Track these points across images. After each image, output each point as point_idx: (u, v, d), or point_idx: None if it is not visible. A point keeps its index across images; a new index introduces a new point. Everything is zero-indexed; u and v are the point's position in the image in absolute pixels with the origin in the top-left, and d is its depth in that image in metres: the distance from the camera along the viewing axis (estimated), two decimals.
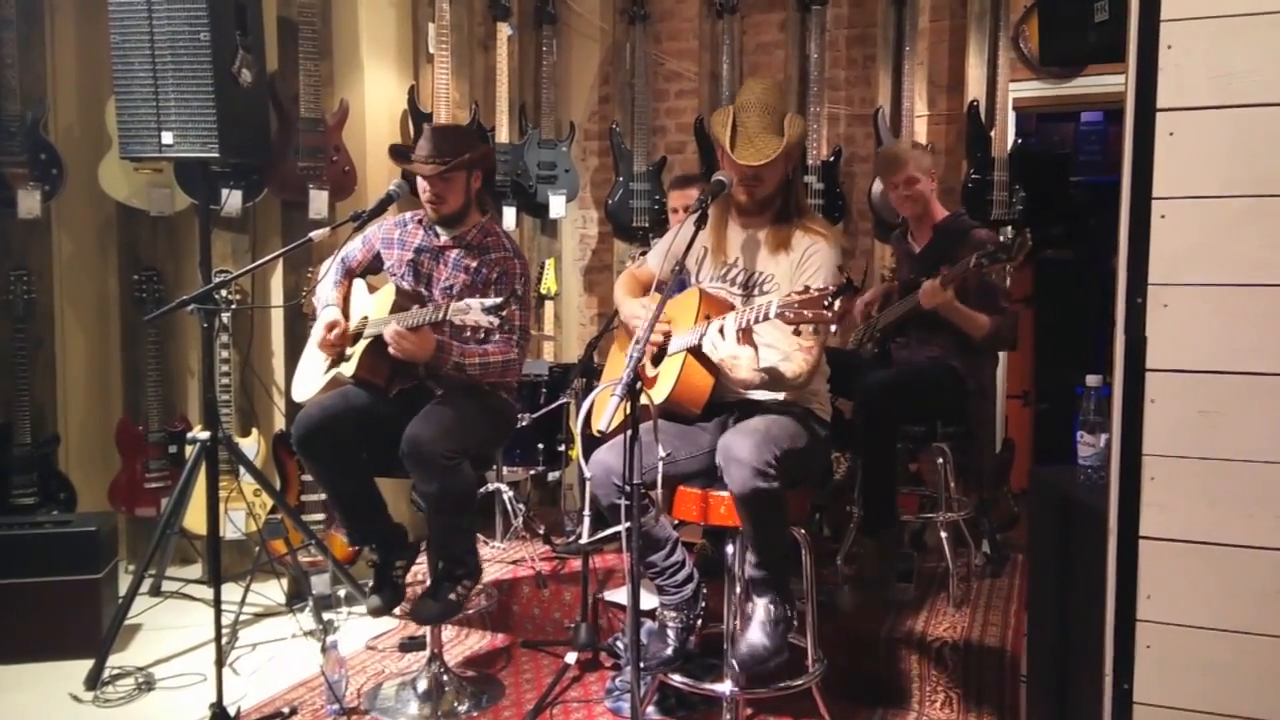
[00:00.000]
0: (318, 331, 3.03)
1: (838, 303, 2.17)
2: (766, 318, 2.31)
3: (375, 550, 3.08)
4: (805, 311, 2.21)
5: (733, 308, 2.58)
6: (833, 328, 2.32)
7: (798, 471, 2.53)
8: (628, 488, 2.14)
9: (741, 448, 2.36)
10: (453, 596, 2.92)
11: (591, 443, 2.60)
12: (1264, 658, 1.68)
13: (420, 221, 3.11)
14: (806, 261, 2.62)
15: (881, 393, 3.30)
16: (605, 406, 2.19)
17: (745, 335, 2.38)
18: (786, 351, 2.52)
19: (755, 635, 2.50)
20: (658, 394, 2.55)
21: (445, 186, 2.96)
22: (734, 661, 2.50)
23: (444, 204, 2.99)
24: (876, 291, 3.75)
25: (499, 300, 2.62)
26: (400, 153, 3.05)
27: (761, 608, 2.52)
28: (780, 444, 2.40)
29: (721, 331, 2.40)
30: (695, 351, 2.53)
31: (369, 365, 2.94)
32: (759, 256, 2.70)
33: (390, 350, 2.79)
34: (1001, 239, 3.31)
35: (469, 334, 2.79)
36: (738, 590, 2.60)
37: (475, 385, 2.96)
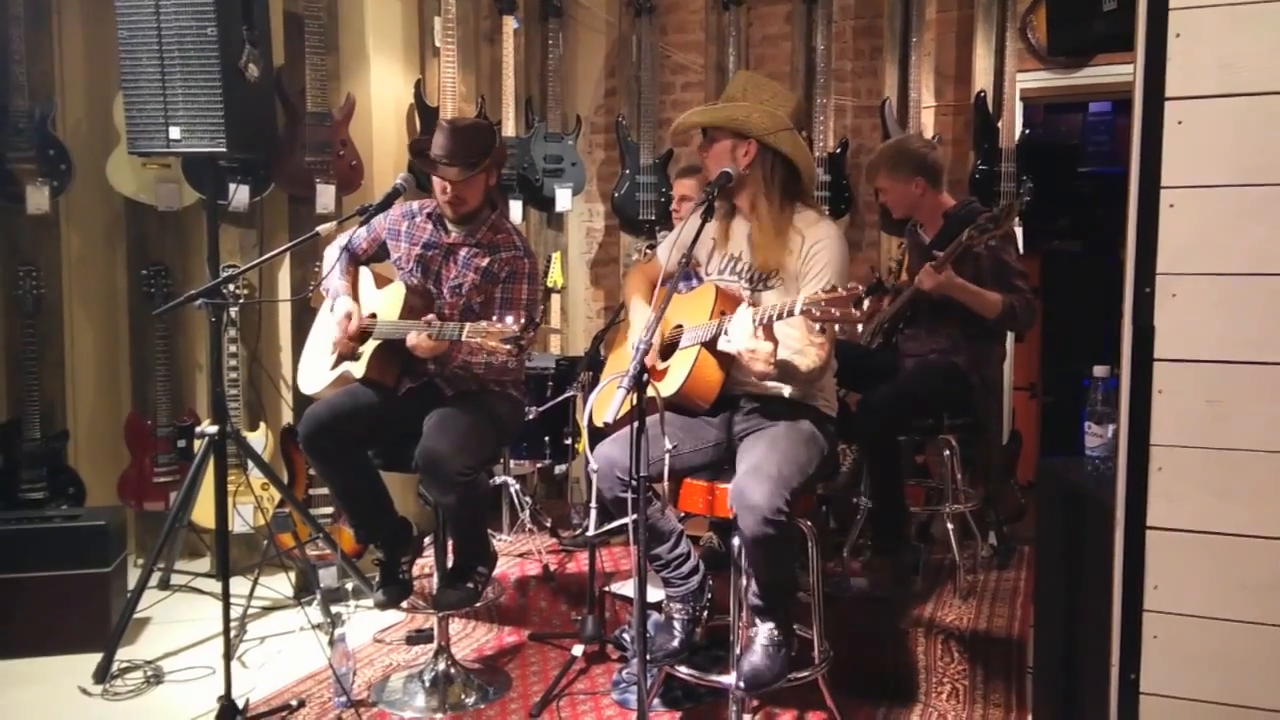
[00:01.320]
0: (332, 321, 3.02)
1: (866, 302, 2.17)
2: (791, 314, 2.30)
3: (380, 547, 3.08)
4: (833, 310, 2.19)
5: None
6: (859, 327, 2.30)
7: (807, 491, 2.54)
8: (633, 481, 2.14)
9: (756, 493, 2.33)
10: (471, 585, 2.95)
11: (599, 436, 2.60)
12: (1271, 648, 1.68)
13: (429, 215, 3.06)
14: (813, 257, 2.60)
15: (883, 413, 3.27)
16: (610, 399, 2.19)
17: (766, 330, 2.38)
18: (799, 346, 2.52)
19: (758, 659, 2.50)
20: (668, 387, 2.54)
21: (465, 187, 2.93)
22: (737, 684, 2.51)
23: (464, 205, 2.96)
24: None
25: (517, 334, 2.58)
26: (420, 152, 2.97)
27: (764, 632, 2.53)
28: (793, 482, 2.39)
29: (741, 324, 2.38)
30: (710, 346, 2.53)
31: (378, 366, 2.93)
32: (765, 252, 2.69)
33: (409, 345, 2.78)
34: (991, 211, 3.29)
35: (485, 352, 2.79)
36: (744, 583, 2.61)
37: (484, 384, 2.96)
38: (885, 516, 3.38)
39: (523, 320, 2.60)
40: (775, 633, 2.52)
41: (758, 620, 2.54)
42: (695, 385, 2.54)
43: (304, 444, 2.89)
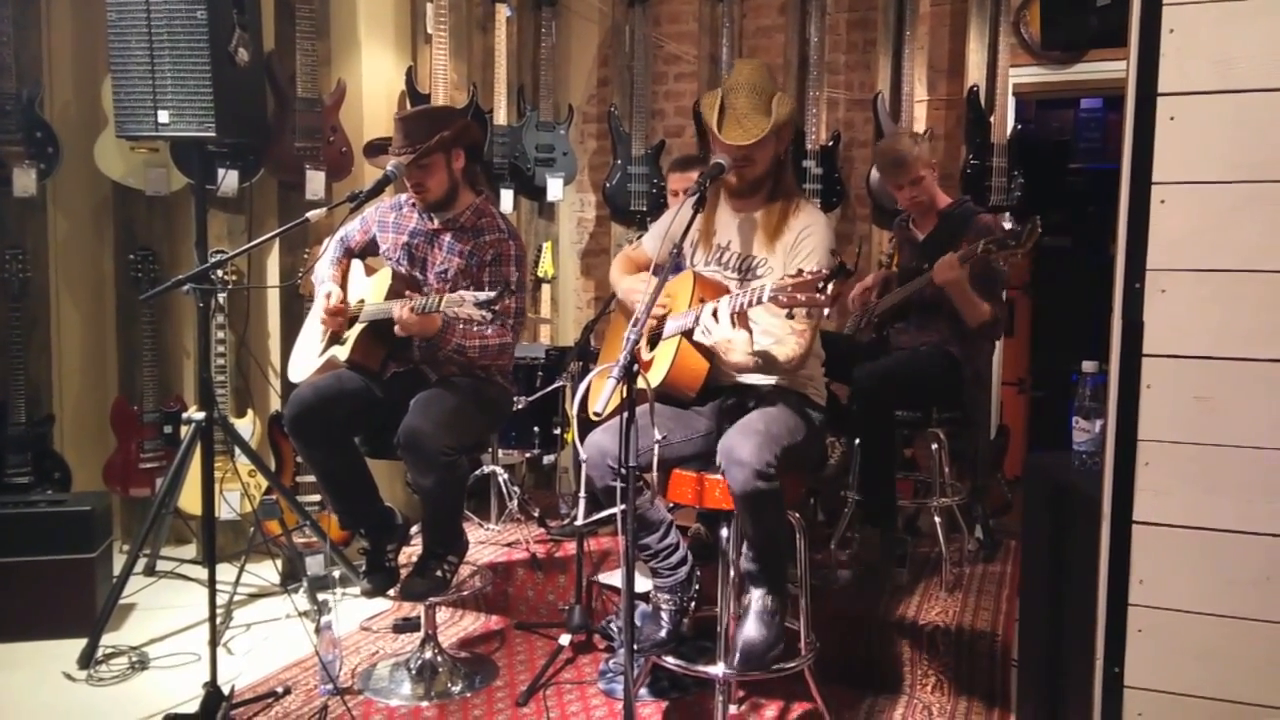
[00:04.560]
0: (318, 304, 3.02)
1: (830, 286, 2.17)
2: (760, 301, 2.31)
3: (365, 535, 3.07)
4: (799, 295, 2.21)
5: (727, 291, 2.58)
6: (826, 311, 2.31)
7: (795, 462, 2.53)
8: (622, 470, 2.14)
9: (743, 449, 2.35)
10: (439, 573, 2.93)
11: (588, 426, 2.60)
12: (1256, 643, 1.69)
13: (414, 205, 3.07)
14: (800, 244, 2.61)
15: (877, 381, 3.30)
16: (601, 389, 2.19)
17: (740, 319, 2.38)
18: (780, 335, 2.52)
19: (752, 629, 2.50)
20: (653, 377, 2.54)
21: (424, 173, 2.90)
22: (736, 657, 2.50)
23: (428, 191, 2.95)
24: (876, 278, 3.74)
25: (492, 295, 2.60)
26: (375, 149, 3.01)
27: (757, 599, 2.53)
28: (780, 442, 2.40)
29: (715, 315, 2.39)
30: (690, 335, 2.53)
31: (363, 349, 2.93)
32: (753, 240, 2.69)
33: (396, 329, 2.77)
34: (1010, 226, 3.29)
35: (463, 323, 2.78)
36: (732, 575, 2.61)
37: (470, 371, 2.95)
38: (875, 487, 3.38)
39: (500, 289, 2.61)
40: (769, 599, 2.52)
41: (751, 588, 2.54)
42: (679, 375, 2.54)
43: (288, 425, 2.88)
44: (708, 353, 2.56)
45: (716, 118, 2.58)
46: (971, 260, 3.21)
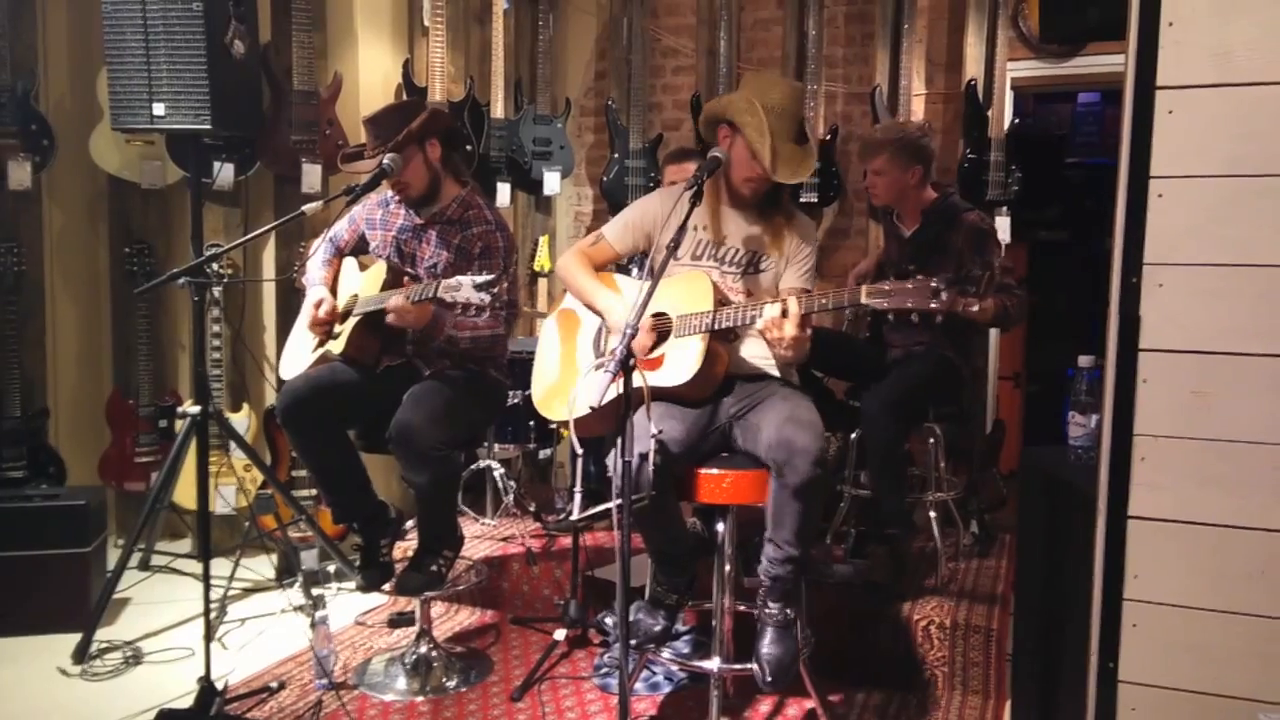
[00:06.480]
0: (306, 310, 3.02)
1: (944, 294, 2.16)
2: (857, 304, 2.28)
3: (359, 530, 3.06)
4: (907, 302, 2.20)
5: (724, 294, 2.58)
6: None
7: None
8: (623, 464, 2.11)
9: (803, 438, 2.34)
10: (435, 568, 2.92)
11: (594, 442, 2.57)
12: (1250, 638, 1.68)
13: (401, 201, 3.05)
14: (803, 245, 2.68)
15: (887, 414, 3.22)
16: (588, 386, 2.15)
17: (806, 321, 2.37)
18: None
19: (778, 647, 2.47)
20: (674, 376, 2.50)
21: (401, 170, 2.87)
22: (765, 679, 2.46)
23: (409, 188, 2.92)
24: (868, 264, 3.72)
25: (490, 277, 2.55)
26: (350, 157, 2.98)
27: (777, 612, 2.49)
28: (820, 427, 2.41)
29: (785, 314, 2.35)
30: (718, 334, 2.51)
31: (357, 343, 2.92)
32: (758, 239, 2.68)
33: (389, 319, 2.76)
34: (979, 266, 3.22)
35: (459, 310, 2.76)
36: (728, 569, 2.60)
37: (464, 365, 2.94)
38: (890, 507, 3.35)
39: (495, 270, 2.58)
40: (788, 611, 2.50)
41: (769, 601, 2.49)
42: (707, 374, 2.50)
43: (281, 417, 2.86)
44: (727, 351, 2.55)
45: (769, 153, 2.51)
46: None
